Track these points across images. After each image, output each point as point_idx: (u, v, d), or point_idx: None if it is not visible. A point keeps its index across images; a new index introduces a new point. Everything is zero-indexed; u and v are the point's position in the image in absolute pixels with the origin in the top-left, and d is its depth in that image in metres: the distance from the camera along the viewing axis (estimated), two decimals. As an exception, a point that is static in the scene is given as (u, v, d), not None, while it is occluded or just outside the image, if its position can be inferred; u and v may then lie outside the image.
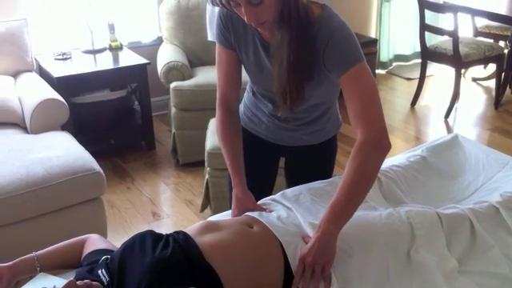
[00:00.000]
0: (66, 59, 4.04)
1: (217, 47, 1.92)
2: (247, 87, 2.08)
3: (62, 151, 2.92)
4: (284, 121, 1.97)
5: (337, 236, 1.60)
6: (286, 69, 1.66)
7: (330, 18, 1.67)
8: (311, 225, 1.70)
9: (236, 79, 1.94)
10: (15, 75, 3.67)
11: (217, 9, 1.82)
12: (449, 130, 4.73)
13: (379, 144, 1.64)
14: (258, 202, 1.91)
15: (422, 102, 5.22)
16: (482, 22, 5.57)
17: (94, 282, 1.48)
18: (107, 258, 1.59)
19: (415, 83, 5.24)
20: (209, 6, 3.96)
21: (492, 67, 5.36)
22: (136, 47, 4.49)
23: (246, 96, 2.08)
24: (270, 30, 1.68)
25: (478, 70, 5.80)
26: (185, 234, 1.62)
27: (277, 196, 1.95)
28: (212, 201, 3.23)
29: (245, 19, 1.60)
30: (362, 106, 1.64)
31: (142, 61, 4.06)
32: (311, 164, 2.12)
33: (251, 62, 1.84)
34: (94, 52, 4.23)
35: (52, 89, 3.45)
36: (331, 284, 1.56)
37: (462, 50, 4.72)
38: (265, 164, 2.16)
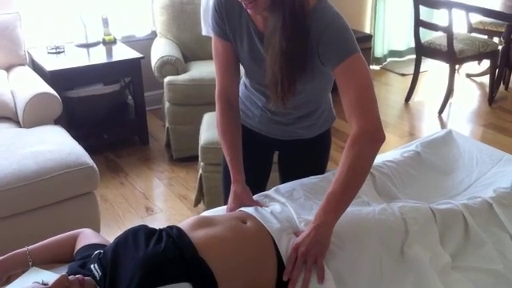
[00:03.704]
0: (59, 53, 4.02)
1: (213, 39, 1.91)
2: (241, 80, 2.07)
3: (55, 145, 2.90)
4: (277, 114, 1.97)
5: (333, 227, 1.60)
6: (279, 56, 1.65)
7: (325, 9, 1.66)
8: (305, 221, 1.70)
9: (234, 70, 1.93)
10: (8, 69, 3.65)
11: (211, 3, 1.81)
12: (443, 125, 4.74)
13: (374, 135, 1.63)
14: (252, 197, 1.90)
15: (416, 97, 5.23)
16: (476, 18, 5.58)
17: (86, 277, 1.47)
18: (100, 253, 1.58)
19: (409, 79, 5.25)
20: (203, 1, 3.94)
21: (486, 63, 5.38)
22: (130, 41, 4.47)
23: (240, 89, 2.07)
24: (260, 13, 1.66)
25: (472, 66, 5.82)
26: (178, 229, 1.61)
27: (270, 192, 1.94)
28: (205, 195, 3.22)
29: None
30: (356, 98, 1.64)
31: (136, 55, 4.04)
32: (305, 158, 2.11)
33: (245, 52, 1.84)
34: (87, 46, 4.21)
35: (45, 83, 3.43)
36: (326, 278, 1.56)
37: (457, 45, 4.72)
38: (259, 158, 2.15)
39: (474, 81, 5.72)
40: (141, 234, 1.58)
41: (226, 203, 1.96)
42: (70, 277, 1.45)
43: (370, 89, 1.65)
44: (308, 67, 1.72)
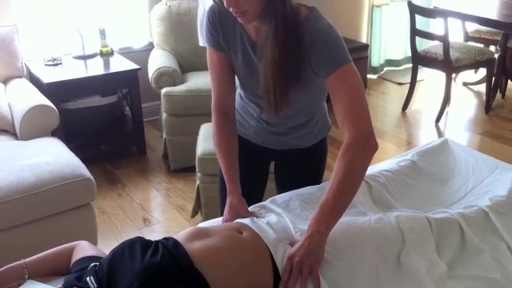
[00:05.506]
0: (56, 65, 4.03)
1: (208, 50, 1.92)
2: (237, 91, 2.07)
3: (52, 157, 2.90)
4: (272, 125, 1.97)
5: (326, 236, 1.60)
6: (271, 65, 1.66)
7: (317, 20, 1.68)
8: (301, 231, 1.70)
9: (229, 81, 1.94)
10: (5, 81, 3.66)
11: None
12: (440, 134, 4.74)
13: (366, 144, 1.64)
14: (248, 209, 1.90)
15: (413, 106, 5.24)
16: (472, 27, 5.60)
17: (81, 290, 1.47)
18: (96, 265, 1.58)
19: (406, 88, 5.26)
20: (200, 12, 3.96)
21: (482, 72, 5.39)
22: (127, 53, 4.48)
23: (236, 100, 2.07)
24: (251, 22, 1.68)
25: (468, 75, 5.83)
26: (174, 241, 1.61)
27: (266, 202, 1.94)
28: (203, 206, 3.22)
29: (224, 3, 1.61)
30: (348, 107, 1.64)
31: (133, 66, 4.05)
32: (301, 167, 2.12)
33: (240, 62, 1.85)
34: (84, 58, 4.22)
35: (42, 95, 3.44)
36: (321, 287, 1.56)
37: (453, 54, 4.74)
38: (255, 168, 2.15)
39: (471, 89, 5.73)
40: (137, 246, 1.58)
41: (222, 214, 1.96)
42: (65, 289, 1.45)
43: (361, 98, 1.66)
44: (302, 77, 1.72)
